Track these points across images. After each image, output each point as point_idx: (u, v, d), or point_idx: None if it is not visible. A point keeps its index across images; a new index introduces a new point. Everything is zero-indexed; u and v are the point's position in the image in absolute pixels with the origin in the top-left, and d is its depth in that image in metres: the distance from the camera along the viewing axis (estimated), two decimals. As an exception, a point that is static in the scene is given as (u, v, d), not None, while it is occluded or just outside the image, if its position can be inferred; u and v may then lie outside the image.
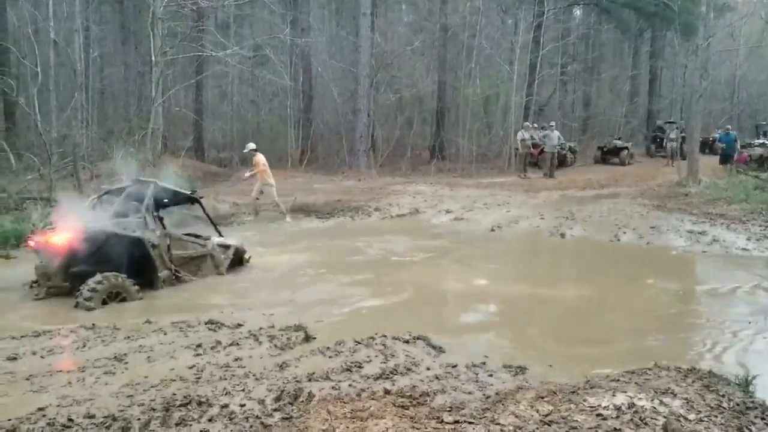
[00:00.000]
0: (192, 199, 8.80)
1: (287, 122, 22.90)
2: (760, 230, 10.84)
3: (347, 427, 3.61)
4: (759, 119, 32.05)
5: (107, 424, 3.69)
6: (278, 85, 23.47)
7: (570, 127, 28.74)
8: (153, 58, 14.07)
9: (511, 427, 3.60)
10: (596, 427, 3.60)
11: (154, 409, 3.88)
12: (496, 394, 4.21)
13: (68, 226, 6.79)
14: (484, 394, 4.22)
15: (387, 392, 4.19)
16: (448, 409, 3.92)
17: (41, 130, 13.71)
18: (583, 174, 20.97)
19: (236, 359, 4.89)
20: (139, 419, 3.75)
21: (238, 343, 5.31)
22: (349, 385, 4.31)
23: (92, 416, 3.79)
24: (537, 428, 3.60)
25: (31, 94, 14.16)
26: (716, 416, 3.80)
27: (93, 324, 5.82)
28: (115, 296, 6.74)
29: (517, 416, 3.74)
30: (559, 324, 6.51)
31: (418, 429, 3.61)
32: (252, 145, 13.53)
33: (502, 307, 7.16)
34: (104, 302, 6.61)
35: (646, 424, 3.65)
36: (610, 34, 32.27)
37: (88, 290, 6.52)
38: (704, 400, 4.00)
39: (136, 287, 6.94)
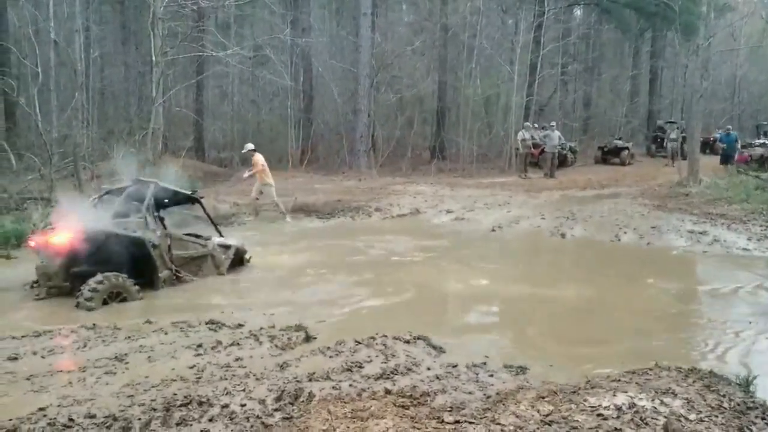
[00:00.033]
0: (192, 199, 8.80)
1: (288, 122, 22.90)
2: (760, 230, 10.83)
3: (348, 427, 3.61)
4: (760, 119, 32.03)
5: (108, 424, 3.69)
6: (279, 85, 23.48)
7: (570, 127, 28.73)
8: (153, 58, 14.07)
9: (511, 427, 3.60)
10: (597, 427, 3.60)
11: (154, 409, 3.88)
12: (497, 394, 4.21)
13: (69, 226, 6.80)
14: (484, 394, 4.22)
15: (387, 392, 4.19)
16: (448, 409, 3.92)
17: (42, 130, 13.71)
18: (584, 174, 20.97)
19: (237, 359, 4.90)
20: (139, 419, 3.75)
21: (238, 343, 5.31)
22: (350, 385, 4.32)
23: (93, 416, 3.79)
24: (538, 428, 3.60)
25: (32, 94, 14.17)
26: (717, 416, 3.80)
27: (94, 324, 5.82)
28: (116, 296, 6.74)
29: (517, 416, 3.74)
30: (560, 324, 6.51)
31: (418, 429, 3.61)
32: (250, 146, 13.53)
33: (502, 307, 7.16)
34: (105, 302, 6.61)
35: (646, 424, 3.65)
36: (610, 34, 32.26)
37: (89, 290, 6.52)
38: (705, 400, 4.00)
39: (137, 287, 6.94)
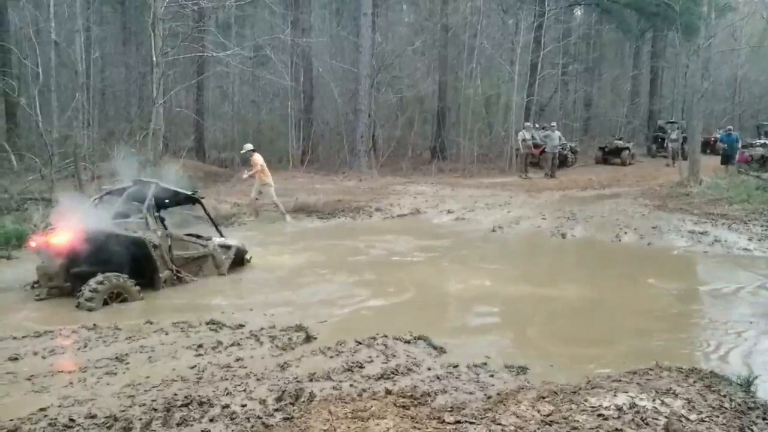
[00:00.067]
0: (193, 200, 8.81)
1: (288, 122, 22.89)
2: (761, 230, 10.82)
3: (348, 428, 3.60)
4: (760, 119, 32.00)
5: (109, 425, 3.69)
6: (279, 86, 23.48)
7: (571, 127, 28.76)
8: (154, 59, 14.06)
9: (512, 428, 3.60)
10: (597, 428, 3.60)
11: (155, 410, 3.88)
12: (498, 394, 4.21)
13: (69, 227, 6.80)
14: (485, 395, 4.22)
15: (388, 392, 4.19)
16: (449, 409, 3.92)
17: (42, 131, 13.71)
18: (585, 174, 20.97)
19: (237, 359, 4.90)
20: (140, 419, 3.75)
21: (239, 344, 5.31)
22: (351, 386, 4.31)
23: (94, 416, 3.79)
24: (538, 428, 3.60)
25: (33, 94, 14.16)
26: (718, 416, 3.79)
27: (94, 324, 5.82)
28: (117, 297, 6.75)
29: (518, 416, 3.74)
30: (561, 324, 6.51)
31: (419, 429, 3.61)
32: (249, 146, 13.53)
33: (503, 307, 7.15)
34: (105, 302, 6.61)
35: (647, 424, 3.64)
36: (611, 34, 32.26)
37: (90, 291, 6.52)
38: (706, 401, 4.00)
39: (138, 288, 6.94)
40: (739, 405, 3.97)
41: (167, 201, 8.36)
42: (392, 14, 29.48)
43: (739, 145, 19.75)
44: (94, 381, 4.44)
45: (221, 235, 8.76)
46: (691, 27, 19.88)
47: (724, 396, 4.10)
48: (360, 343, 5.21)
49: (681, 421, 3.67)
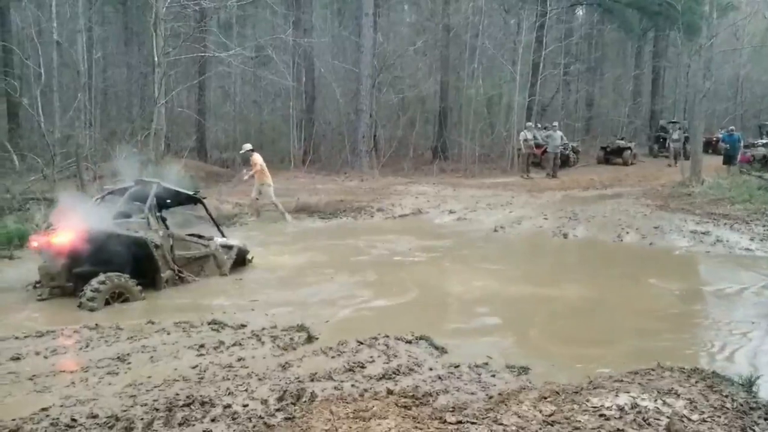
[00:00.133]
0: (195, 200, 8.81)
1: (290, 122, 22.89)
2: (763, 230, 10.80)
3: (350, 428, 3.60)
4: (762, 119, 31.94)
5: (110, 424, 3.70)
6: (281, 86, 23.49)
7: (573, 127, 28.75)
8: (155, 59, 14.07)
9: (513, 428, 3.60)
10: (599, 428, 3.59)
11: (157, 409, 3.88)
12: (499, 394, 4.20)
13: (71, 227, 6.81)
14: (486, 395, 4.21)
15: (390, 392, 4.19)
16: (450, 409, 3.91)
17: (44, 131, 13.74)
18: (586, 174, 20.95)
19: (239, 359, 4.90)
20: (142, 419, 3.75)
21: (240, 344, 5.32)
22: (352, 386, 4.32)
23: (95, 416, 3.80)
24: (540, 428, 3.60)
25: (35, 94, 14.19)
26: (719, 417, 3.79)
27: (96, 324, 5.83)
28: (118, 296, 6.76)
29: (519, 416, 3.74)
30: (562, 324, 6.51)
31: (420, 429, 3.61)
32: (248, 146, 13.53)
33: (504, 307, 7.15)
34: (107, 302, 6.62)
35: (649, 424, 3.64)
36: (613, 34, 32.23)
37: (91, 290, 6.53)
38: (707, 401, 3.99)
39: (139, 287, 6.95)
40: (741, 405, 3.97)
41: (169, 201, 8.37)
42: (394, 14, 29.49)
43: (741, 145, 19.72)
44: (96, 381, 4.44)
45: (223, 235, 8.77)
46: (693, 26, 19.84)
47: (726, 396, 4.09)
48: (361, 343, 5.21)
49: (683, 422, 3.66)
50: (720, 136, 23.25)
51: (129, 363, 4.82)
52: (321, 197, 14.80)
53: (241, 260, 8.67)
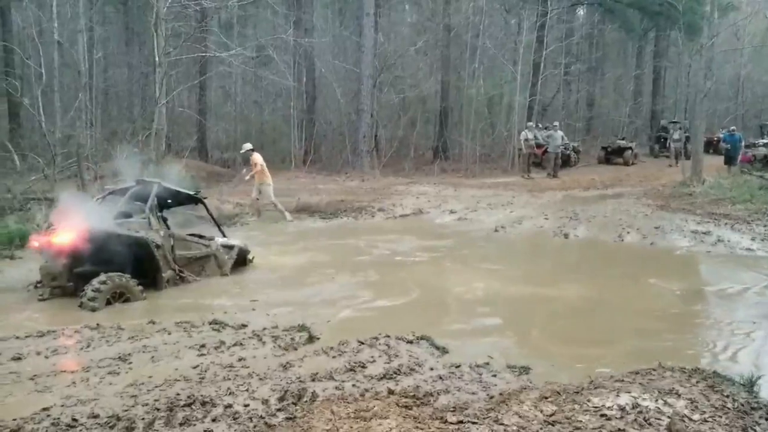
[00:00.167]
0: (195, 200, 8.81)
1: (290, 122, 22.91)
2: (764, 230, 10.80)
3: (351, 427, 3.60)
4: (763, 119, 31.93)
5: (111, 424, 3.70)
6: (281, 86, 23.50)
7: (574, 127, 28.75)
8: (156, 59, 14.08)
9: (514, 428, 3.60)
10: (600, 428, 3.59)
11: (158, 409, 3.88)
12: (500, 394, 4.20)
13: (72, 227, 6.81)
14: (487, 395, 4.21)
15: (391, 392, 4.19)
16: (451, 409, 3.91)
17: (45, 131, 13.75)
18: (587, 174, 20.95)
19: (240, 359, 4.90)
20: (143, 419, 3.75)
21: (241, 344, 5.32)
22: (353, 385, 4.32)
23: (96, 416, 3.80)
24: (541, 428, 3.59)
25: (36, 94, 14.20)
26: (720, 417, 3.79)
27: (97, 324, 5.83)
28: (119, 296, 6.76)
29: (520, 416, 3.74)
30: (563, 324, 6.50)
31: (421, 429, 3.61)
32: (248, 145, 13.53)
33: (505, 307, 7.14)
34: (108, 302, 6.62)
35: (650, 424, 3.64)
36: (613, 33, 32.22)
37: (92, 290, 6.53)
38: (709, 401, 3.99)
39: (140, 287, 6.95)
40: (742, 405, 3.97)
41: (170, 201, 8.37)
42: (395, 14, 29.50)
43: (742, 145, 19.71)
44: (97, 381, 4.44)
45: (224, 235, 8.77)
46: (694, 26, 19.85)
47: (727, 396, 4.09)
48: (362, 343, 5.21)
49: (684, 422, 3.66)
50: (721, 135, 23.23)
51: (130, 363, 4.82)
52: (322, 197, 14.80)
53: (242, 260, 8.67)
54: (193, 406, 3.93)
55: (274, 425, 3.71)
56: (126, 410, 3.88)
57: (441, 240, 11.03)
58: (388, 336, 5.39)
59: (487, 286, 7.89)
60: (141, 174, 8.87)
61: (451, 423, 3.68)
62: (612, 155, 24.40)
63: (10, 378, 4.52)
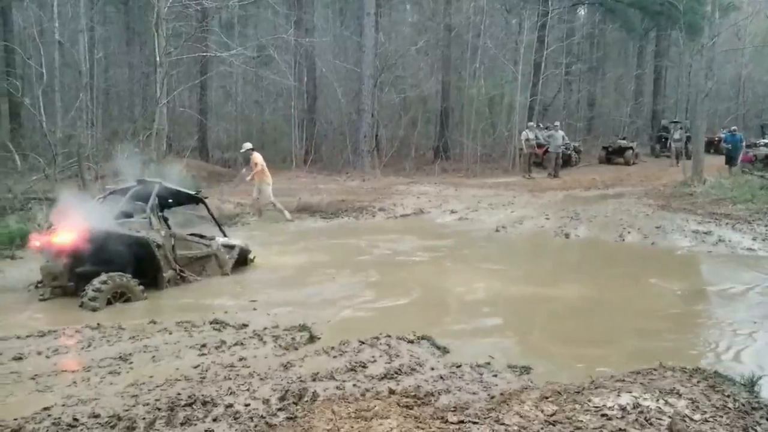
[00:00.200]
0: (196, 199, 8.82)
1: (291, 122, 22.91)
2: (765, 230, 10.79)
3: (352, 427, 3.60)
4: (764, 119, 31.90)
5: (112, 424, 3.70)
6: (282, 86, 23.52)
7: (574, 127, 28.75)
8: (157, 59, 14.09)
9: (515, 427, 3.60)
10: (601, 428, 3.59)
11: (159, 409, 3.88)
12: (501, 394, 4.20)
13: (72, 226, 6.81)
14: (488, 394, 4.21)
15: (391, 392, 4.19)
16: (452, 409, 3.91)
17: (46, 131, 13.75)
18: (588, 174, 20.95)
19: (241, 359, 4.90)
20: (144, 419, 3.76)
21: (242, 343, 5.32)
22: (354, 385, 4.32)
23: (97, 416, 3.80)
24: (542, 428, 3.59)
25: (36, 94, 14.20)
26: (721, 416, 3.78)
27: (98, 324, 5.83)
28: (120, 296, 6.76)
29: (521, 416, 3.74)
30: (564, 324, 6.50)
31: (422, 429, 3.61)
32: (248, 145, 13.51)
33: (506, 307, 7.14)
34: (109, 302, 6.62)
35: (651, 424, 3.63)
36: (614, 33, 32.23)
37: (93, 290, 6.53)
38: (709, 401, 3.99)
39: (141, 287, 6.95)
40: (743, 405, 3.96)
41: (171, 201, 8.37)
42: (395, 14, 29.51)
43: (743, 145, 19.70)
44: (98, 380, 4.45)
45: (224, 235, 8.77)
46: (695, 26, 19.84)
47: (728, 396, 4.09)
48: (363, 343, 5.21)
49: (685, 421, 3.66)
50: (722, 135, 23.20)
51: (131, 362, 4.82)
52: (323, 197, 14.80)
53: (242, 260, 8.67)
54: (194, 406, 3.93)
55: (275, 425, 3.71)
56: (127, 410, 3.88)
57: (442, 240, 11.02)
58: (389, 336, 5.39)
59: (487, 286, 7.89)
60: (142, 174, 8.87)
61: (452, 423, 3.68)
62: (613, 155, 24.41)
63: (11, 378, 4.52)
